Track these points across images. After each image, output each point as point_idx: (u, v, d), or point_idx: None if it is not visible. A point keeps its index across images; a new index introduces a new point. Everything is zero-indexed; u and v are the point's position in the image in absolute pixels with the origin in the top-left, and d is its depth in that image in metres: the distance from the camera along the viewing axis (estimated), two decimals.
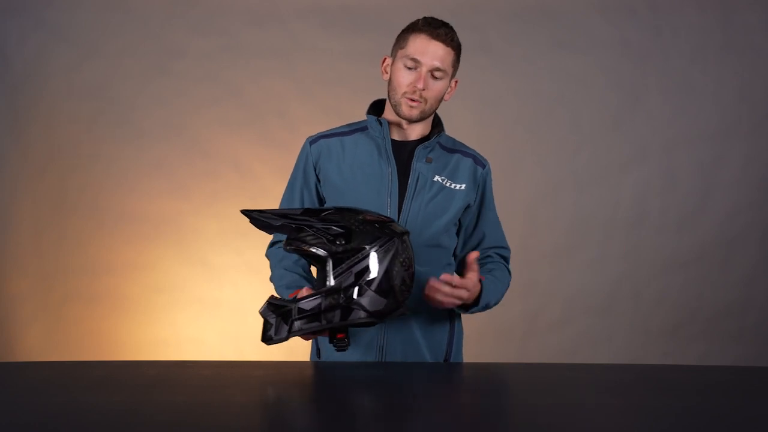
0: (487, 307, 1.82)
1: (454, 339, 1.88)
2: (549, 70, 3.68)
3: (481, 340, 3.55)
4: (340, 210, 1.61)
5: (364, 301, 1.57)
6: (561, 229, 3.70)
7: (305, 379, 1.61)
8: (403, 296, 1.62)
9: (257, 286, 3.31)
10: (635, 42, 3.68)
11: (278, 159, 3.52)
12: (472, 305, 1.78)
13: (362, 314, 1.57)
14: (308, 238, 1.58)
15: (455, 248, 1.94)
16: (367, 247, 1.57)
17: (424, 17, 1.81)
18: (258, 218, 1.60)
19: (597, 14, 3.68)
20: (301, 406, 1.42)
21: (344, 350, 1.64)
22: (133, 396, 1.38)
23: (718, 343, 3.70)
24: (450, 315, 1.88)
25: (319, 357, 1.88)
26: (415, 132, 1.86)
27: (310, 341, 1.91)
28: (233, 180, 3.61)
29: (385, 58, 1.85)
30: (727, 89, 3.70)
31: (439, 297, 1.70)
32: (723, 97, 3.70)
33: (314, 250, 1.57)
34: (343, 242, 1.57)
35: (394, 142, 1.85)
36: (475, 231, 1.92)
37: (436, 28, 1.77)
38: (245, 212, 1.60)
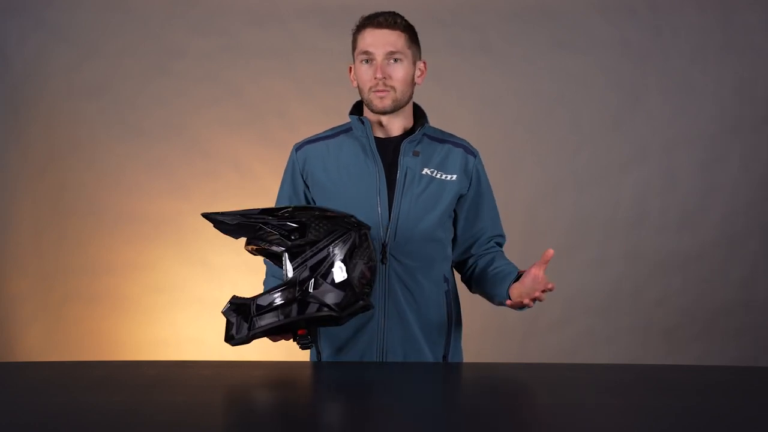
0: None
1: (452, 334, 1.88)
2: (549, 70, 3.68)
3: (482, 339, 3.54)
4: (297, 208, 1.61)
5: (320, 294, 1.56)
6: (561, 229, 3.69)
7: (305, 379, 1.61)
8: (363, 290, 1.60)
9: (257, 286, 3.31)
10: (635, 42, 3.68)
11: (278, 159, 3.49)
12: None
13: (319, 307, 1.55)
14: (265, 236, 1.58)
15: (452, 239, 1.93)
16: (322, 240, 1.57)
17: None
18: (215, 219, 1.60)
19: (597, 14, 3.68)
20: (301, 406, 1.42)
21: (308, 347, 1.63)
22: (133, 396, 1.38)
23: (718, 343, 3.70)
24: (448, 311, 1.87)
25: (319, 359, 1.88)
26: (397, 126, 1.86)
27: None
28: (233, 180, 3.61)
29: (350, 67, 1.88)
30: (727, 89, 3.70)
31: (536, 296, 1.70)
32: (723, 97, 3.70)
33: (270, 247, 1.57)
34: (298, 237, 1.56)
35: (378, 139, 1.86)
36: (477, 221, 1.91)
37: (376, 17, 1.81)
38: (205, 215, 1.60)
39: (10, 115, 3.56)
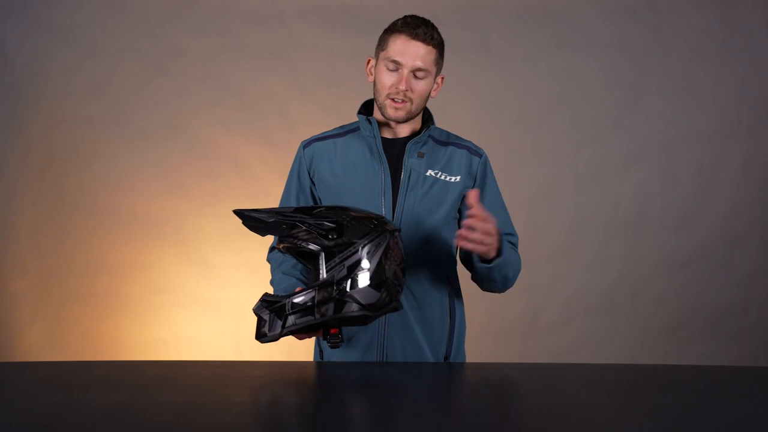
0: (506, 266, 1.75)
1: (455, 335, 1.88)
2: (549, 70, 3.68)
3: (482, 340, 3.54)
4: (331, 207, 1.63)
5: (357, 293, 1.57)
6: (561, 229, 3.70)
7: (305, 379, 1.61)
8: (396, 290, 1.62)
9: (257, 286, 3.31)
10: (635, 42, 3.69)
11: (278, 159, 3.52)
12: (496, 256, 1.72)
13: (355, 307, 1.57)
14: (301, 234, 1.59)
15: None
16: (358, 240, 1.58)
17: (404, 17, 1.79)
18: (250, 216, 1.61)
19: (597, 14, 3.68)
20: (301, 406, 1.42)
21: (338, 347, 1.64)
22: (133, 396, 1.38)
23: (718, 343, 3.70)
24: (450, 311, 1.87)
25: (321, 357, 1.88)
26: (405, 129, 1.87)
27: (313, 341, 1.91)
28: (233, 180, 3.61)
29: (369, 60, 1.86)
30: (727, 89, 3.70)
31: (475, 237, 1.62)
32: (723, 97, 3.70)
33: (307, 245, 1.58)
34: (335, 236, 1.58)
35: (385, 140, 1.86)
36: None
37: (416, 27, 1.76)
38: (237, 212, 1.61)
39: (10, 115, 3.56)
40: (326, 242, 1.58)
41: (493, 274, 1.77)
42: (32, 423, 1.23)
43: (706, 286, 3.70)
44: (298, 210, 1.61)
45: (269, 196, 3.45)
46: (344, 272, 1.57)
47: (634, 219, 3.71)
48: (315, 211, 1.61)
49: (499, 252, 1.73)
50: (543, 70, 3.68)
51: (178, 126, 3.61)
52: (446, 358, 1.87)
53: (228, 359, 2.46)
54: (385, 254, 1.60)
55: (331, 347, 1.64)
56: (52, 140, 3.57)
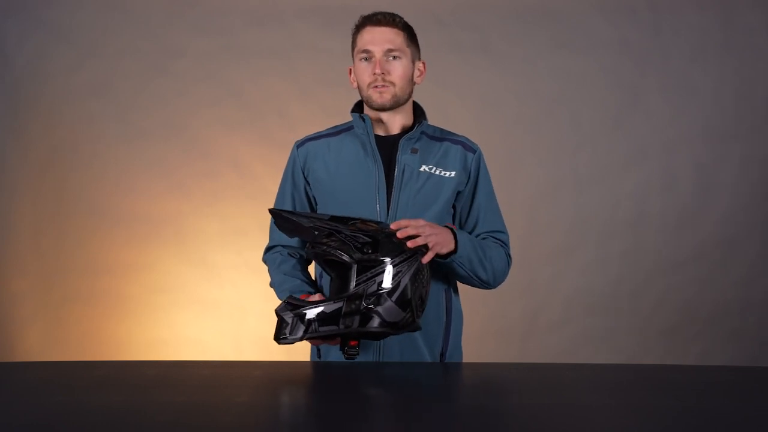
0: (471, 263, 1.77)
1: (451, 332, 1.88)
2: (549, 70, 3.68)
3: (481, 340, 3.54)
4: (364, 221, 1.65)
5: (383, 310, 1.59)
6: (561, 229, 3.70)
7: (305, 379, 1.61)
8: (418, 312, 1.64)
9: (257, 286, 3.31)
10: (635, 42, 3.68)
11: (278, 159, 3.49)
12: (451, 253, 1.74)
13: (379, 323, 1.59)
14: (335, 243, 1.61)
15: None
16: (392, 258, 1.60)
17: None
18: (288, 218, 1.62)
19: (597, 14, 3.68)
20: (301, 406, 1.42)
21: (353, 359, 1.65)
22: (133, 396, 1.39)
23: (718, 343, 3.70)
24: (447, 309, 1.87)
25: (319, 357, 1.88)
26: (397, 124, 1.88)
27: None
28: (233, 180, 3.61)
29: (350, 68, 1.90)
30: (727, 89, 3.70)
31: (409, 232, 1.65)
32: (723, 97, 3.70)
33: (341, 256, 1.59)
34: (370, 251, 1.59)
35: (378, 137, 1.87)
36: (469, 216, 1.91)
37: (375, 15, 1.84)
38: (273, 212, 1.62)
39: (10, 115, 3.56)
40: (360, 255, 1.59)
41: (456, 269, 1.78)
42: (32, 423, 1.23)
43: (705, 286, 3.70)
44: (333, 219, 1.64)
45: (269, 196, 3.43)
46: (374, 287, 1.59)
47: (634, 219, 3.71)
48: (350, 222, 1.63)
49: (456, 249, 1.74)
50: (543, 70, 3.68)
51: (178, 126, 3.61)
52: (442, 355, 1.87)
53: (228, 359, 2.46)
54: (415, 275, 1.61)
55: (347, 358, 1.65)
56: (52, 140, 3.57)
